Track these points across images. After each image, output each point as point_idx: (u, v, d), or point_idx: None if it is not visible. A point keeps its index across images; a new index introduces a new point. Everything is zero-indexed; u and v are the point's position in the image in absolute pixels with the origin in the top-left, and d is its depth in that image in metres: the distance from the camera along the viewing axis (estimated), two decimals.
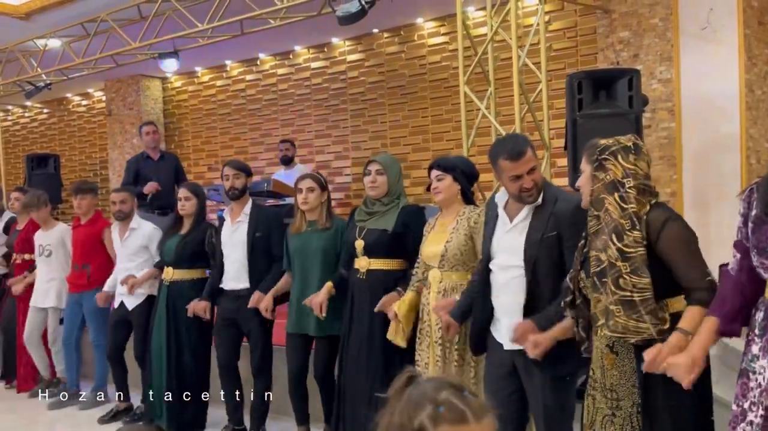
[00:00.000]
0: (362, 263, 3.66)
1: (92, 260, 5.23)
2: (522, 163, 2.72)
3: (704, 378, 2.35)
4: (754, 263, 2.06)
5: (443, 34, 7.78)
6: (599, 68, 6.03)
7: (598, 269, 2.39)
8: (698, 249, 2.41)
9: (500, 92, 5.37)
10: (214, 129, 10.04)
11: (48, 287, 5.50)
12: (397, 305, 3.39)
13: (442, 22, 7.77)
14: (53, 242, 5.50)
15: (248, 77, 9.60)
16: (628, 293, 2.31)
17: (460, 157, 3.76)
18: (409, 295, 3.44)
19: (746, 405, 2.04)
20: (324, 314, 3.74)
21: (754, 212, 2.06)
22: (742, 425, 2.04)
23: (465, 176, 3.41)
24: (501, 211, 2.91)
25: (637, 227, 2.34)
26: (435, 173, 3.41)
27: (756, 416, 2.01)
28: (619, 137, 2.55)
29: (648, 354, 2.21)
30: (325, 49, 8.83)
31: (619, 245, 2.34)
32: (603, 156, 2.45)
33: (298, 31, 7.91)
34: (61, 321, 5.54)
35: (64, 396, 5.41)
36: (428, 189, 3.49)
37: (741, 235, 2.13)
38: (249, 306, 4.15)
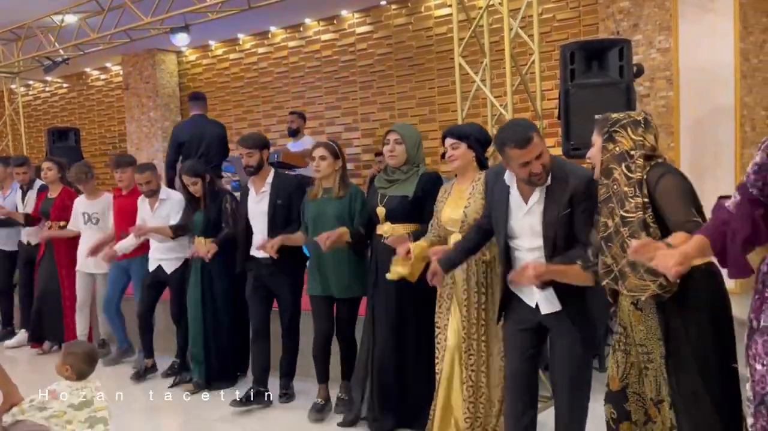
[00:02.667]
0: (385, 229, 3.81)
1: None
2: (529, 149, 2.74)
3: (726, 327, 2.47)
4: None
5: (449, 6, 7.88)
6: (591, 39, 6.13)
7: (605, 234, 2.51)
8: (690, 198, 2.46)
9: (497, 64, 5.52)
10: (228, 102, 10.25)
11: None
12: (413, 245, 3.45)
13: None
14: (100, 210, 5.73)
15: (260, 50, 9.77)
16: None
17: (472, 124, 3.82)
18: (422, 242, 3.50)
19: None
20: (326, 248, 3.87)
21: None
22: None
23: (479, 142, 3.50)
24: (514, 191, 2.94)
25: (638, 194, 2.45)
26: (449, 141, 3.49)
27: None
28: (630, 111, 2.67)
29: (635, 242, 2.19)
30: (335, 22, 8.97)
31: (622, 212, 2.47)
32: (614, 129, 2.55)
33: (308, 3, 8.07)
34: None
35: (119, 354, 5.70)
36: (443, 157, 3.59)
37: (749, 180, 2.12)
38: (257, 248, 4.29)
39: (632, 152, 2.51)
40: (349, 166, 8.76)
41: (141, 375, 5.24)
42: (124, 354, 5.69)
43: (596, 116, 2.72)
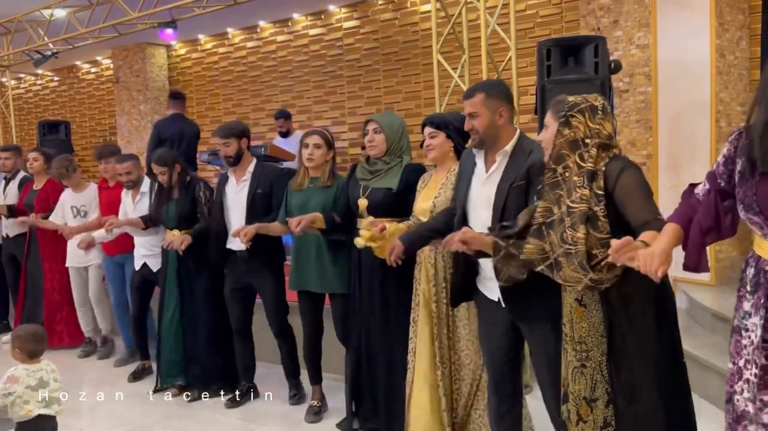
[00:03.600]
0: (366, 223, 3.59)
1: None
2: (468, 103, 2.85)
3: (670, 322, 2.42)
4: (741, 217, 2.05)
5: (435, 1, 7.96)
6: (567, 36, 6.23)
7: (548, 220, 2.43)
8: (650, 195, 2.41)
9: (477, 59, 5.61)
10: (218, 96, 10.33)
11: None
12: (390, 224, 3.39)
13: None
14: (87, 202, 5.61)
15: (249, 44, 9.85)
16: (569, 246, 2.35)
17: (454, 113, 3.65)
18: (402, 225, 3.43)
19: (741, 363, 2.04)
20: (298, 230, 3.72)
21: (740, 162, 2.02)
22: (740, 383, 2.04)
23: (458, 132, 3.34)
24: (480, 162, 2.93)
25: (585, 185, 2.37)
26: (428, 130, 3.40)
27: (751, 374, 2.00)
28: (587, 95, 2.53)
29: (615, 242, 2.11)
30: (322, 17, 9.05)
31: (569, 201, 2.39)
32: (571, 113, 2.45)
33: None
34: (103, 278, 5.67)
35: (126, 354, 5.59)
36: (422, 146, 3.47)
37: (717, 171, 2.11)
38: (231, 235, 4.17)
39: (587, 140, 2.42)
40: (337, 160, 8.85)
41: (138, 375, 5.16)
42: (134, 355, 5.50)
43: (554, 98, 2.63)
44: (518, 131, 2.92)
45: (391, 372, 3.67)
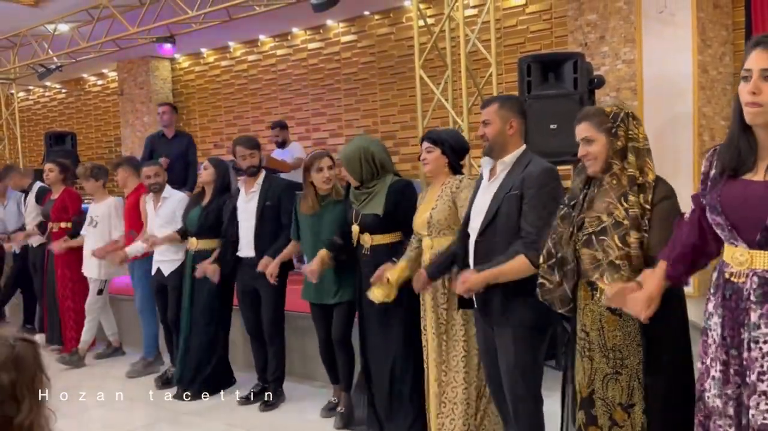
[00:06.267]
0: (366, 239, 3.82)
1: (138, 229, 5.49)
2: (483, 112, 3.05)
3: (686, 327, 2.53)
4: (709, 221, 2.14)
5: (430, 16, 8.11)
6: (547, 52, 6.34)
7: (598, 228, 2.51)
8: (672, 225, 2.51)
9: (459, 75, 5.73)
10: (219, 108, 10.51)
11: (91, 257, 5.66)
12: (389, 272, 3.54)
13: (428, 4, 8.10)
14: (101, 213, 5.72)
15: (250, 58, 10.03)
16: (629, 250, 2.45)
17: (451, 130, 3.89)
18: (401, 263, 3.58)
19: (708, 362, 2.14)
20: (316, 280, 3.95)
21: (712, 172, 2.13)
22: (708, 381, 2.14)
23: (453, 149, 3.55)
24: (485, 172, 3.09)
25: (635, 190, 2.49)
26: (425, 145, 3.58)
27: (716, 371, 2.10)
28: (617, 103, 2.64)
29: (611, 288, 2.29)
30: (321, 31, 9.22)
31: (626, 205, 2.48)
32: (617, 124, 2.54)
33: (295, 13, 8.30)
34: (100, 292, 5.77)
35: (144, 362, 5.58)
36: (419, 159, 3.68)
37: (699, 190, 2.21)
38: (258, 270, 4.32)
39: (629, 146, 2.53)
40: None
41: (166, 381, 5.15)
42: (150, 366, 5.52)
43: (587, 109, 2.75)
44: (524, 146, 3.07)
45: (396, 378, 3.78)
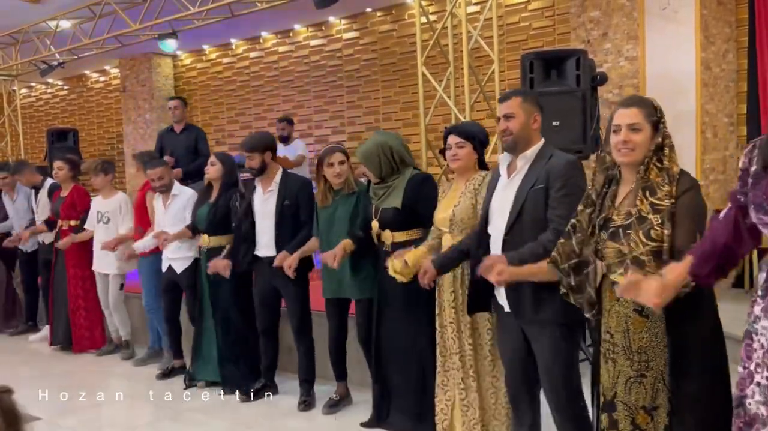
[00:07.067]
0: (386, 236, 3.78)
1: (145, 225, 5.49)
2: (504, 105, 2.90)
3: (720, 329, 2.45)
4: (753, 219, 2.05)
5: (432, 13, 8.09)
6: (550, 49, 6.32)
7: (626, 222, 2.45)
8: (701, 220, 2.44)
9: (461, 72, 5.72)
10: (221, 105, 10.51)
11: (106, 253, 5.65)
12: (408, 255, 3.46)
13: (431, 1, 8.08)
14: (111, 209, 5.69)
15: (252, 55, 10.02)
16: (658, 244, 2.36)
17: (475, 123, 3.71)
18: (422, 248, 3.51)
19: (752, 367, 2.06)
20: (337, 265, 3.86)
21: (753, 168, 2.05)
22: (751, 387, 2.06)
23: (482, 144, 3.45)
24: (503, 170, 2.99)
25: (666, 183, 2.40)
26: (455, 139, 3.39)
27: (762, 377, 2.02)
28: (649, 97, 2.58)
29: (628, 277, 2.22)
30: (323, 28, 9.21)
31: (652, 199, 2.40)
32: (662, 120, 2.48)
33: (297, 9, 8.30)
34: (121, 287, 5.76)
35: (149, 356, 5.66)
36: (441, 152, 3.50)
37: (737, 187, 2.14)
38: (274, 265, 4.25)
39: (665, 142, 2.47)
40: None
41: (167, 374, 5.22)
42: (155, 356, 5.62)
43: (635, 96, 2.68)
44: (543, 140, 2.98)
45: (418, 373, 3.76)
